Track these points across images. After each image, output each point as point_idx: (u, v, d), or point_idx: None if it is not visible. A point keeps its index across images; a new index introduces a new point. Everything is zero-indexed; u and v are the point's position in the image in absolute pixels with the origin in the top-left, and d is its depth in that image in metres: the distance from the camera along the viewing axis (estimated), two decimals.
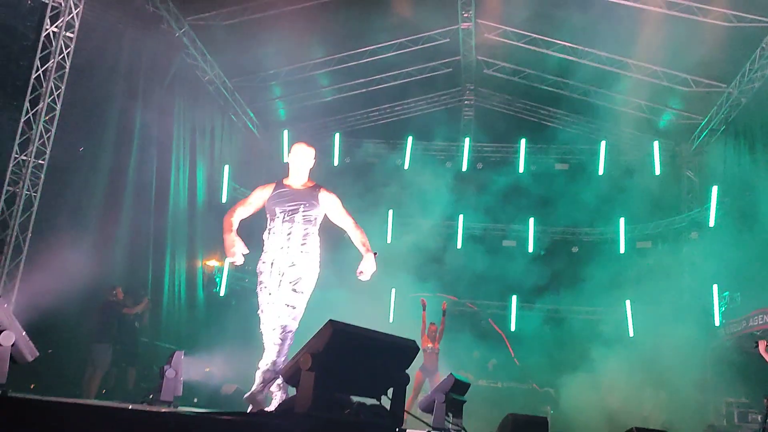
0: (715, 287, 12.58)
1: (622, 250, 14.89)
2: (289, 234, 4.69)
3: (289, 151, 5.05)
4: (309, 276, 4.70)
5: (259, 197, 4.93)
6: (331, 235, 5.31)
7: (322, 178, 5.41)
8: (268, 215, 4.88)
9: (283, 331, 4.55)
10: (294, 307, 4.58)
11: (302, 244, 4.70)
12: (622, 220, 14.98)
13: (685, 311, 12.91)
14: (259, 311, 4.72)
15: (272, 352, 4.48)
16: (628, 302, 14.16)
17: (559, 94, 14.52)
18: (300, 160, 4.92)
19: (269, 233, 4.79)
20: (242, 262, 4.75)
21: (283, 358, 4.46)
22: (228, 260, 4.83)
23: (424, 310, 10.91)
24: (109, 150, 10.41)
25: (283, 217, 4.73)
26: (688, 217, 14.36)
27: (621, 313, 14.28)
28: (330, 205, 4.87)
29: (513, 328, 14.77)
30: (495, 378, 13.23)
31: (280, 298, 4.57)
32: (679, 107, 13.99)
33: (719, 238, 12.53)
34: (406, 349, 3.42)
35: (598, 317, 14.73)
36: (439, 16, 12.90)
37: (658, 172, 14.60)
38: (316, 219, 4.80)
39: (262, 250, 4.79)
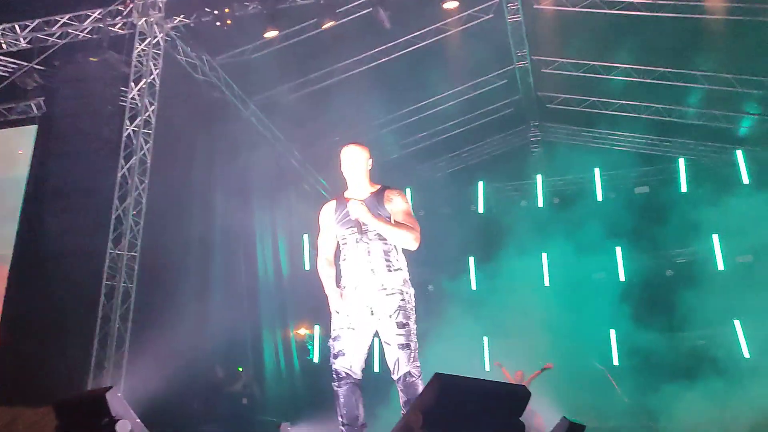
0: None
1: (720, 267, 14.13)
2: (368, 257, 4.00)
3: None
4: (408, 300, 4.00)
5: (328, 225, 4.24)
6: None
7: None
8: (338, 240, 4.18)
9: (404, 383, 3.83)
10: (408, 346, 3.85)
11: (387, 261, 3.98)
12: (715, 236, 14.28)
13: None
14: (330, 341, 4.05)
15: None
16: (737, 322, 13.33)
17: (627, 117, 14.21)
18: (350, 165, 4.22)
19: (345, 260, 4.09)
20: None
21: None
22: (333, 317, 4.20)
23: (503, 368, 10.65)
24: (195, 236, 10.85)
25: (355, 239, 4.01)
26: None
27: (731, 334, 13.44)
28: (393, 207, 4.09)
29: (616, 362, 14.11)
30: (606, 418, 12.57)
31: (388, 340, 3.89)
32: (757, 111, 13.42)
33: None
34: (517, 396, 3.31)
35: (707, 341, 13.89)
36: (494, 59, 13.00)
37: (746, 181, 13.92)
38: None
39: (340, 276, 4.14)
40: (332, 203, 4.29)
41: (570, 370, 12.62)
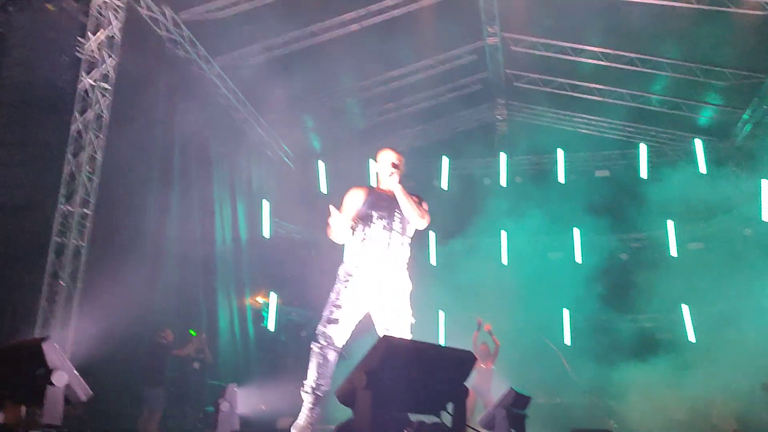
0: None
1: (673, 253, 14.46)
2: (388, 244, 4.35)
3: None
4: (408, 287, 4.44)
5: (354, 203, 4.49)
6: None
7: None
8: (360, 221, 4.43)
9: None
10: (411, 324, 4.35)
11: (400, 258, 4.41)
12: (670, 223, 14.58)
13: (746, 311, 12.39)
14: (330, 305, 4.27)
15: None
16: (685, 307, 13.69)
17: (593, 101, 14.32)
18: (386, 162, 4.58)
19: (363, 241, 4.37)
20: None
21: None
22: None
23: (477, 330, 10.74)
24: (152, 195, 10.60)
25: (383, 225, 4.37)
26: (739, 213, 13.88)
27: (679, 319, 13.81)
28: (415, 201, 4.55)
29: (568, 341, 14.40)
30: (554, 394, 12.84)
31: (401, 313, 4.30)
32: (718, 102, 13.65)
33: None
34: (463, 361, 3.30)
35: (656, 324, 14.26)
36: (465, 33, 12.91)
37: (703, 170, 14.19)
38: (409, 232, 4.51)
39: (353, 256, 4.38)
40: (363, 190, 4.59)
41: (522, 347, 12.84)
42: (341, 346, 4.28)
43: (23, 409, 3.53)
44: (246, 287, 13.29)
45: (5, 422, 3.44)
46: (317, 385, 4.18)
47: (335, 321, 4.23)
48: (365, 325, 4.51)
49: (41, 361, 3.30)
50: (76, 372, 3.50)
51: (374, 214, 4.40)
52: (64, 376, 3.29)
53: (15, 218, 8.72)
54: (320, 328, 4.26)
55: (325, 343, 4.21)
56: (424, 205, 4.57)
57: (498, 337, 10.93)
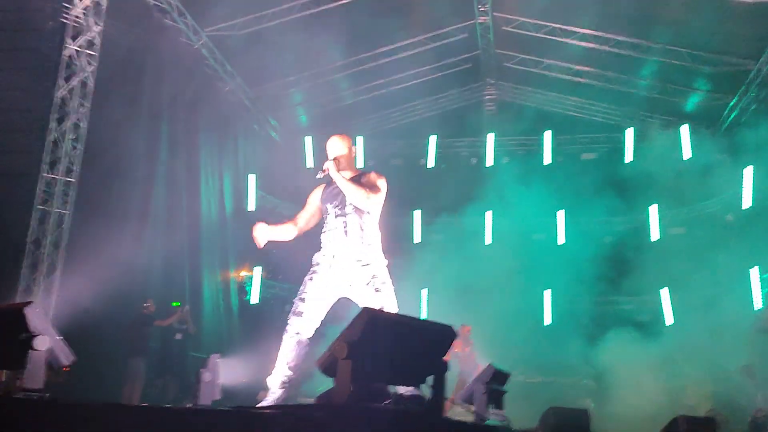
0: (755, 270, 12.27)
1: (654, 237, 14.61)
2: (345, 228, 4.48)
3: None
4: (382, 269, 4.45)
5: (314, 200, 4.75)
6: None
7: None
8: (323, 216, 4.67)
9: None
10: (385, 308, 4.29)
11: (361, 237, 4.47)
12: (652, 208, 14.71)
13: (723, 296, 12.58)
14: (296, 299, 4.41)
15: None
16: (665, 290, 13.87)
17: (582, 83, 14.34)
18: (332, 153, 4.64)
19: (324, 233, 4.58)
20: (261, 247, 4.64)
21: None
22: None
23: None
24: (137, 166, 10.53)
25: (335, 213, 4.52)
26: (721, 200, 14.03)
27: (658, 302, 14.00)
28: (364, 179, 4.61)
29: (549, 321, 14.57)
30: (533, 373, 13.03)
31: (366, 304, 4.29)
32: (706, 88, 13.72)
33: (757, 220, 12.22)
34: (443, 335, 3.35)
35: (635, 307, 14.45)
36: (456, 11, 12.85)
37: (688, 156, 14.28)
38: (367, 209, 4.54)
39: (320, 247, 4.56)
40: (321, 186, 4.73)
41: (504, 326, 12.97)
42: (308, 337, 4.38)
43: (5, 374, 3.54)
44: (230, 260, 13.30)
45: None
46: (284, 374, 4.27)
47: (300, 314, 4.36)
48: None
49: (24, 326, 3.30)
50: (59, 337, 3.51)
51: (328, 205, 4.57)
52: (46, 341, 3.30)
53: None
54: (288, 319, 4.41)
55: (291, 334, 4.34)
56: (375, 178, 4.62)
57: (480, 316, 11.05)
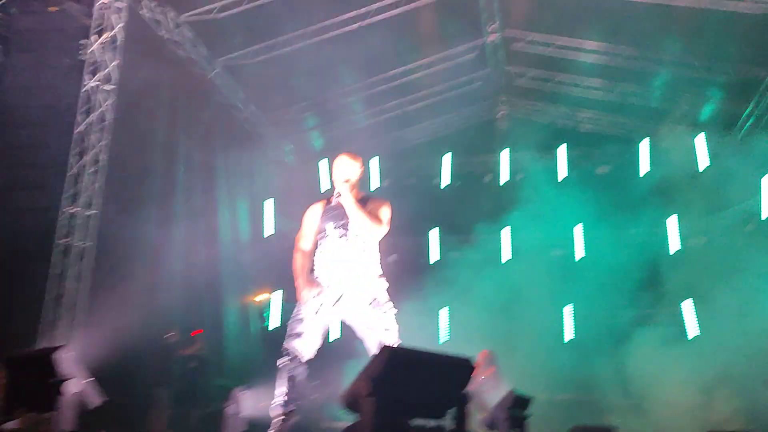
0: None
1: (674, 248, 14.48)
2: (345, 251, 4.40)
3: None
4: (381, 291, 4.41)
5: (312, 220, 4.60)
6: None
7: None
8: (318, 235, 4.55)
9: None
10: (389, 329, 4.30)
11: (362, 259, 4.42)
12: (671, 219, 14.59)
13: (749, 307, 12.41)
14: (292, 321, 4.35)
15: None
16: (688, 302, 13.71)
17: (594, 97, 14.34)
18: (342, 172, 4.57)
19: (321, 254, 4.49)
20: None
21: None
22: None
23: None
24: (155, 197, 10.68)
25: (338, 234, 4.42)
26: (741, 208, 13.89)
27: (681, 314, 13.83)
28: (371, 208, 4.51)
29: (571, 336, 14.44)
30: (556, 391, 12.90)
31: (371, 326, 4.28)
32: (720, 98, 13.65)
33: None
34: (461, 368, 3.37)
35: (658, 320, 14.28)
36: (465, 31, 12.95)
37: (704, 165, 14.17)
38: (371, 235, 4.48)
39: (315, 270, 4.50)
40: (320, 203, 4.66)
41: (525, 343, 12.90)
42: (307, 359, 4.30)
43: (37, 416, 3.60)
44: (248, 286, 13.38)
45: (20, 428, 3.51)
46: (285, 401, 4.19)
47: (298, 335, 4.28)
48: None
49: (54, 370, 3.36)
50: (90, 378, 3.58)
51: (329, 225, 4.47)
52: (76, 385, 3.36)
53: (21, 220, 8.81)
54: (285, 344, 4.31)
55: (290, 358, 4.25)
56: (383, 210, 4.54)
57: (499, 335, 10.99)
